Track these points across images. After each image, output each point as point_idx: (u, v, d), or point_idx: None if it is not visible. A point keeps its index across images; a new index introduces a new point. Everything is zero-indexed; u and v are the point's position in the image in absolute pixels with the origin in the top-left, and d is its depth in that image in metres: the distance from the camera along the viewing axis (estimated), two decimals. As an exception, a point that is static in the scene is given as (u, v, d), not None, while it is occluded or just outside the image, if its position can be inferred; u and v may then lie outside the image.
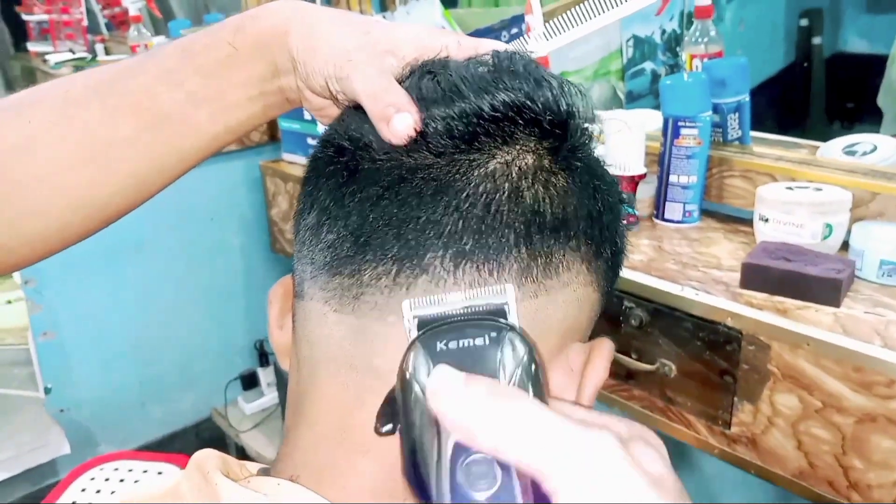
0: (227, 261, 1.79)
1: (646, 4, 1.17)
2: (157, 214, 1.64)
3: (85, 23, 2.61)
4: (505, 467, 0.26)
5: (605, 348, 0.38)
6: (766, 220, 0.99)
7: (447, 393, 0.27)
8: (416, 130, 0.34)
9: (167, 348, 1.75)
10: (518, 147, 0.35)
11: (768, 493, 1.34)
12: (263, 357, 1.89)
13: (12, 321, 1.52)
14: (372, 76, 0.37)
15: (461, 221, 0.33)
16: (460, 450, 0.27)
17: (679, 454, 1.48)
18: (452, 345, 0.30)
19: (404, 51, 0.39)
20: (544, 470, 0.24)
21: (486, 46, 0.39)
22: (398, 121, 0.34)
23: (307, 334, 0.38)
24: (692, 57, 1.24)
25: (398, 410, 0.30)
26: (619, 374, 1.01)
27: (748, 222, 1.08)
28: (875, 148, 1.07)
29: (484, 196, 0.34)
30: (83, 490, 0.42)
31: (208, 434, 1.89)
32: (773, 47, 2.38)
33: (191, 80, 0.41)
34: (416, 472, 0.28)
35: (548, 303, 0.35)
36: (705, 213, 1.15)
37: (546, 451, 0.25)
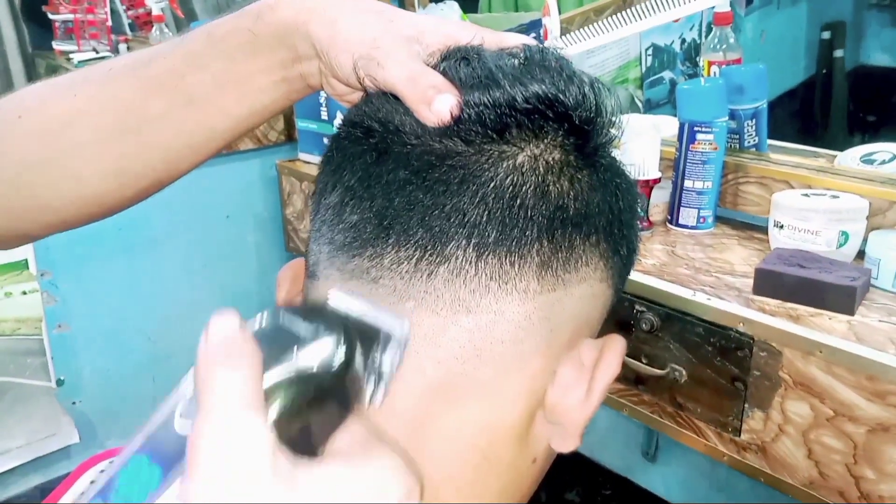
0: (242, 259, 1.80)
1: (665, 21, 1.17)
2: (172, 211, 1.65)
3: (109, 23, 2.65)
4: None
5: (617, 345, 0.38)
6: (781, 227, 0.98)
7: (211, 331, 0.27)
8: (455, 113, 0.34)
9: (181, 344, 1.75)
10: (546, 141, 0.35)
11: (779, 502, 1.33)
12: (275, 355, 1.89)
13: (27, 312, 1.53)
14: (405, 61, 0.37)
15: (486, 213, 0.34)
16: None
17: (691, 460, 1.47)
18: (279, 319, 0.29)
19: (429, 39, 0.39)
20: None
21: (513, 40, 0.39)
22: (440, 102, 0.34)
23: None
24: (710, 64, 1.23)
25: None
26: (629, 378, 1.00)
27: (763, 229, 1.07)
28: (894, 157, 1.06)
29: (511, 188, 0.34)
30: (92, 482, 0.42)
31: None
32: (795, 59, 2.36)
33: (215, 63, 0.42)
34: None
35: (564, 296, 0.35)
36: (720, 219, 1.15)
37: (202, 415, 0.25)
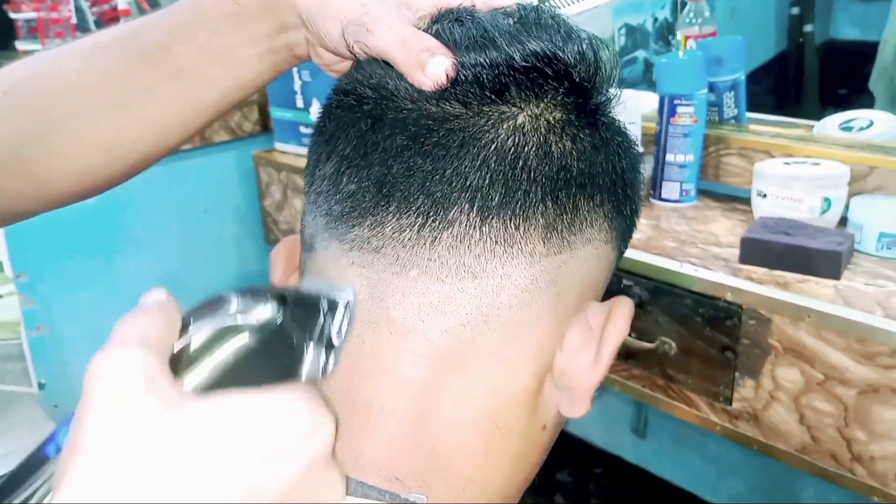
0: (222, 253, 1.78)
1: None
2: (149, 207, 1.63)
3: (74, 20, 2.60)
4: None
5: (625, 307, 0.37)
6: (765, 196, 0.99)
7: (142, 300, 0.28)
8: (450, 75, 0.33)
9: (162, 342, 1.73)
10: (546, 100, 0.34)
11: (768, 472, 1.34)
12: (259, 350, 1.88)
13: (4, 316, 1.50)
14: (396, 25, 0.36)
15: (489, 176, 0.33)
16: None
17: (681, 434, 1.48)
18: (226, 295, 0.29)
19: (419, 4, 0.38)
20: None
21: (505, 1, 0.38)
22: (434, 64, 0.34)
23: None
24: (686, 38, 1.23)
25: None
26: (619, 353, 1.00)
27: (746, 200, 1.07)
28: (871, 123, 1.07)
29: (513, 149, 0.33)
30: None
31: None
32: (765, 35, 2.38)
33: (200, 34, 0.42)
34: None
35: (571, 259, 0.35)
36: (702, 192, 1.15)
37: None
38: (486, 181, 0.33)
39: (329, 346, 0.29)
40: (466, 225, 0.33)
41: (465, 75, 0.34)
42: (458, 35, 0.35)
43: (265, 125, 1.70)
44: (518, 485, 0.37)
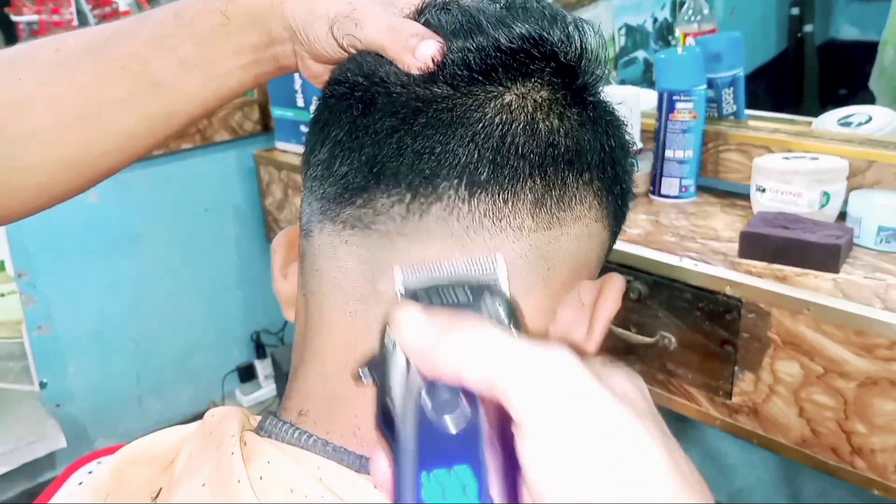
0: (223, 252, 1.78)
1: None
2: (151, 207, 1.63)
3: (75, 23, 2.61)
4: (470, 395, 0.25)
5: (615, 282, 0.38)
6: (764, 191, 0.99)
7: (409, 321, 0.26)
8: (438, 59, 0.34)
9: (163, 341, 1.73)
10: (533, 80, 0.35)
11: (769, 466, 1.34)
12: (260, 349, 1.88)
13: (6, 315, 1.50)
14: (383, 16, 0.37)
15: (476, 152, 0.33)
16: (425, 384, 0.26)
17: (680, 429, 1.48)
18: (435, 300, 0.29)
19: (403, 1, 0.39)
20: (504, 390, 0.23)
21: None
22: (424, 47, 0.34)
23: (317, 268, 0.37)
24: (686, 35, 1.24)
25: (377, 363, 0.29)
26: (619, 348, 1.00)
27: (745, 196, 1.07)
28: (870, 118, 1.07)
29: (500, 127, 0.34)
30: (80, 483, 0.41)
31: (206, 428, 1.87)
32: (766, 35, 2.39)
33: (183, 46, 0.41)
34: (384, 418, 0.27)
35: (561, 235, 0.35)
36: (701, 188, 1.15)
37: (504, 370, 0.23)
38: (475, 157, 0.33)
39: (518, 324, 0.29)
40: (455, 199, 0.33)
41: (452, 59, 0.34)
42: (445, 22, 0.36)
43: (266, 124, 1.71)
44: None
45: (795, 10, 2.35)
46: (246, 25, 0.40)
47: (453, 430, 0.25)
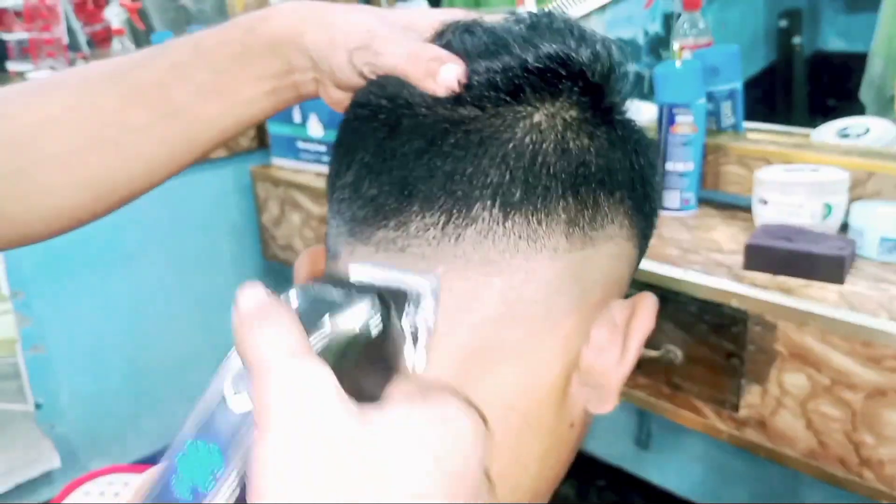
0: (219, 269, 1.77)
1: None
2: (146, 224, 1.62)
3: (66, 41, 2.60)
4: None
5: (649, 301, 0.38)
6: (766, 203, 0.99)
7: (243, 297, 0.28)
8: (462, 81, 0.34)
9: (160, 360, 1.72)
10: (561, 100, 0.35)
11: (773, 481, 1.34)
12: (257, 367, 1.87)
13: (1, 334, 1.48)
14: (403, 41, 0.37)
15: (508, 172, 0.33)
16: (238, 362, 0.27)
17: (684, 444, 1.48)
18: (311, 292, 0.29)
19: (422, 26, 0.39)
20: (256, 388, 0.25)
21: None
22: (446, 71, 0.34)
23: None
24: (682, 48, 1.24)
25: None
26: (624, 362, 1.00)
27: (746, 209, 1.08)
28: (868, 130, 1.08)
29: (531, 147, 0.33)
30: None
31: (202, 447, 1.85)
32: (755, 48, 2.41)
33: (201, 74, 0.42)
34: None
35: (594, 254, 0.35)
36: (702, 201, 1.15)
37: (262, 368, 0.25)
38: (507, 178, 0.33)
39: (416, 340, 0.30)
40: (490, 220, 0.33)
41: (478, 80, 0.34)
42: (469, 44, 0.36)
43: (262, 140, 1.70)
44: (548, 482, 0.37)
45: (784, 23, 2.37)
46: (265, 54, 0.41)
47: (235, 411, 0.26)
